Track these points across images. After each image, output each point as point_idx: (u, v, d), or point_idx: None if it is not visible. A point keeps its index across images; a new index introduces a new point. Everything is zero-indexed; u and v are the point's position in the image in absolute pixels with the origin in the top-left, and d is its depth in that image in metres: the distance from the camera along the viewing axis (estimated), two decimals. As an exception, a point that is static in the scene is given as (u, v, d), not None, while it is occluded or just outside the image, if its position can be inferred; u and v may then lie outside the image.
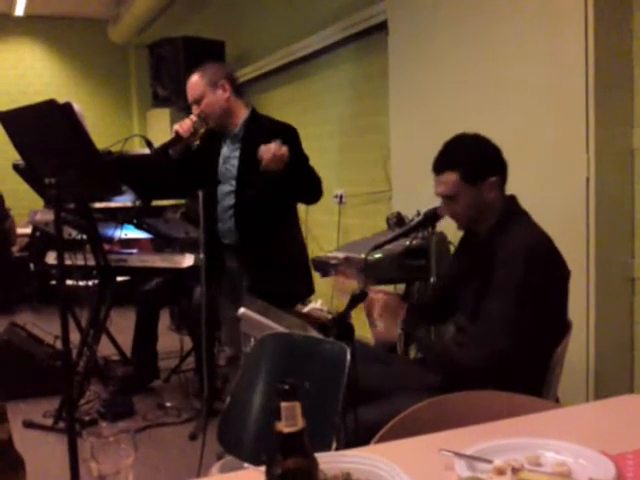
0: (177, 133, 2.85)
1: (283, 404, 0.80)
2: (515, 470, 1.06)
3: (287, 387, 0.81)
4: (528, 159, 2.84)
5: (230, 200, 2.98)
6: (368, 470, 1.01)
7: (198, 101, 2.91)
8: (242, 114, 2.98)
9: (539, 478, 0.98)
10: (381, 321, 2.17)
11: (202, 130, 2.91)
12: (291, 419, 0.79)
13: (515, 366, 1.87)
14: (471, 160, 2.04)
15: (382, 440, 1.29)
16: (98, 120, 7.90)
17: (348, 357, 1.53)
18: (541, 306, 1.93)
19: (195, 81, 2.92)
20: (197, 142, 2.98)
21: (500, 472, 1.06)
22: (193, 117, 2.88)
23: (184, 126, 2.84)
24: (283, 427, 0.80)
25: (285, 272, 2.94)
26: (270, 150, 2.64)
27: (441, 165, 2.06)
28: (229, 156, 3.00)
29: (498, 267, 1.96)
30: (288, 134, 2.87)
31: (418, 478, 0.99)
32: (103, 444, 0.91)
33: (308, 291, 3.08)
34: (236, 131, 2.97)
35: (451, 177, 2.02)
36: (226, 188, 2.99)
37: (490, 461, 1.09)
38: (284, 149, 2.66)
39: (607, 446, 1.14)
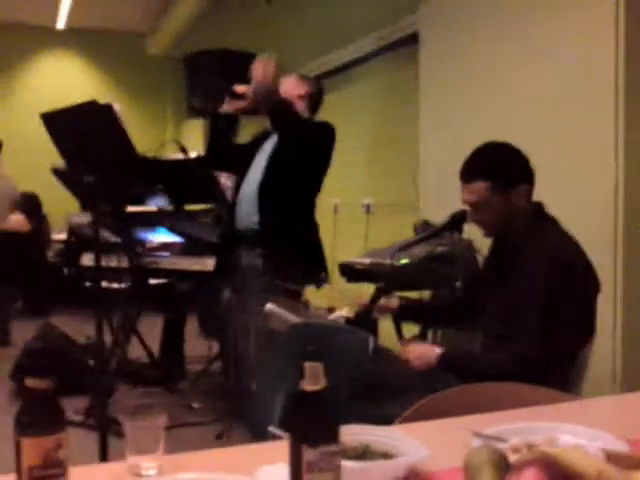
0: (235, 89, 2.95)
1: (307, 364, 0.84)
2: (531, 448, 1.08)
3: (311, 350, 0.85)
4: (556, 165, 2.85)
5: (257, 180, 3.01)
6: (387, 442, 1.05)
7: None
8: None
9: (552, 451, 0.99)
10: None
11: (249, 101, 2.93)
12: (314, 378, 0.84)
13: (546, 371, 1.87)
14: (501, 169, 2.04)
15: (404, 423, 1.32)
16: (133, 130, 8.02)
17: (371, 346, 1.56)
18: (569, 311, 1.93)
19: (288, 79, 3.16)
20: (243, 106, 2.98)
21: (516, 451, 1.09)
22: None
23: (243, 87, 2.94)
24: (306, 386, 0.84)
25: (299, 254, 2.91)
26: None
27: (470, 174, 2.05)
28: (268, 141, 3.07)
29: (529, 274, 1.96)
30: (321, 131, 2.98)
31: (436, 452, 1.03)
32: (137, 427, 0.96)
33: (321, 271, 3.01)
34: None
35: (481, 186, 2.01)
36: (256, 174, 3.03)
37: (507, 441, 1.12)
38: (270, 68, 2.81)
39: (629, 435, 1.15)
